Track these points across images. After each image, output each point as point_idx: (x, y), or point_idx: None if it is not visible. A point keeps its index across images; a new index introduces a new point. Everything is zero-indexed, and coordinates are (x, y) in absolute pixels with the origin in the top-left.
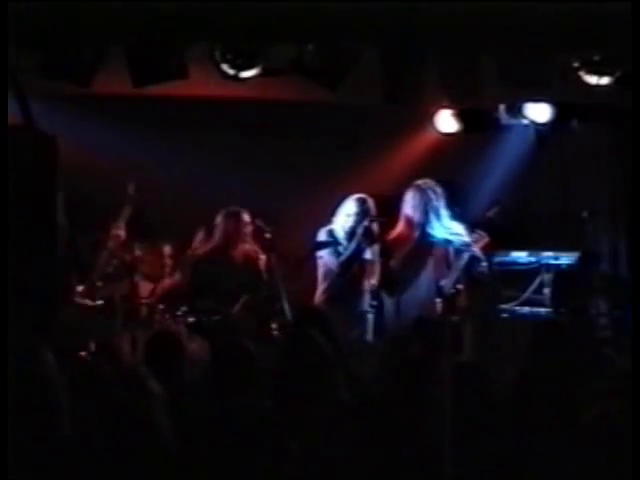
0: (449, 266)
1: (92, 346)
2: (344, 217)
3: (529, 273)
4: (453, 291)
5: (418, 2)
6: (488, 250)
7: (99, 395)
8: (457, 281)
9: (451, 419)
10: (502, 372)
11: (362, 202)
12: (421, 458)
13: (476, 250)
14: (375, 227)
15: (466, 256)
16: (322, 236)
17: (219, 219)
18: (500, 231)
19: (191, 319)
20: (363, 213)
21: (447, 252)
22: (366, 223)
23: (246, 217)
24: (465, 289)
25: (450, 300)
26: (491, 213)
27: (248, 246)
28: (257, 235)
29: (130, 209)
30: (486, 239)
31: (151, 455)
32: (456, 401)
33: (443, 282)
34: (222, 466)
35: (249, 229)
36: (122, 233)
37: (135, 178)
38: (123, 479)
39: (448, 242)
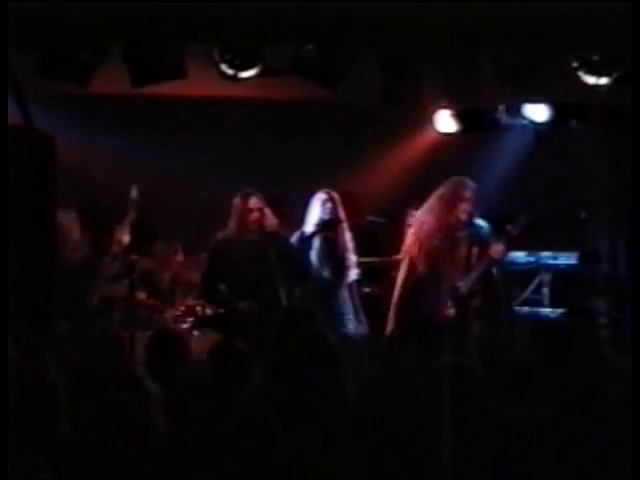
0: (469, 268)
1: (92, 345)
2: (316, 217)
3: (528, 273)
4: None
5: (418, 2)
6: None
7: (97, 395)
8: (474, 284)
9: (449, 421)
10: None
11: (329, 198)
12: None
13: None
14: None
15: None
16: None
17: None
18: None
19: (191, 319)
20: (333, 207)
21: (469, 254)
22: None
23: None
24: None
25: (464, 301)
26: (514, 231)
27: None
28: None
29: (134, 213)
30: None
31: (149, 455)
32: (452, 402)
33: (460, 284)
34: (220, 466)
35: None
36: (126, 238)
37: (135, 179)
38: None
39: None
